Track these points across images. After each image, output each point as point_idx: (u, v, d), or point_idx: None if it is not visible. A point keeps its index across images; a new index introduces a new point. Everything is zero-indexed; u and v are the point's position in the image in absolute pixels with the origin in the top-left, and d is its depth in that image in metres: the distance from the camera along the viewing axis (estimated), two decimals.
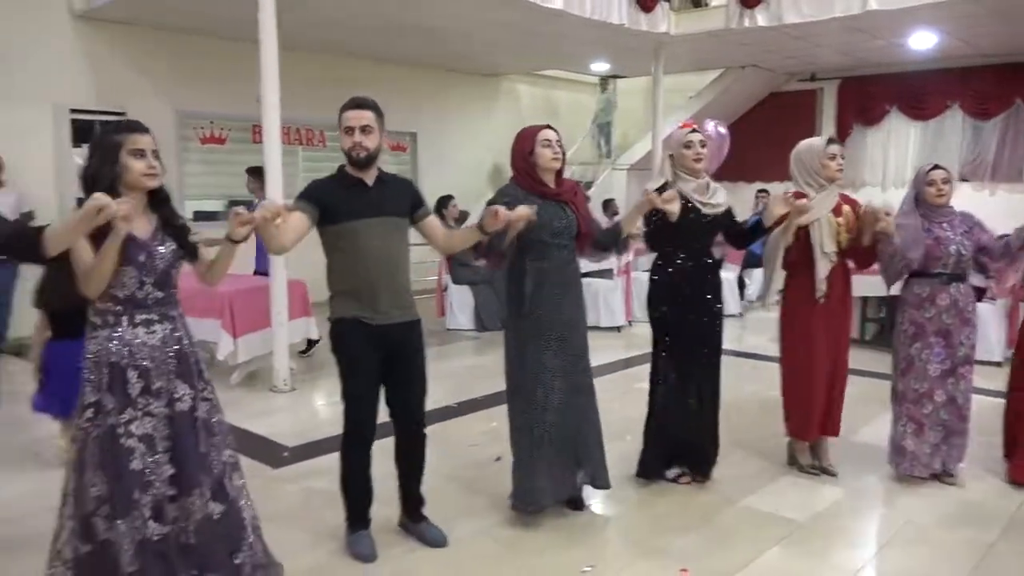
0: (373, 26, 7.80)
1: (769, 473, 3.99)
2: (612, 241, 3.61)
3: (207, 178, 8.62)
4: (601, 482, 3.49)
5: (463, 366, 6.53)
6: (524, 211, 3.05)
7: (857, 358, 4.29)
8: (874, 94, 10.66)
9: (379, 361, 3.05)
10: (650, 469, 3.85)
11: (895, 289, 3.96)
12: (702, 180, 3.71)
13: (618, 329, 7.76)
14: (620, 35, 8.09)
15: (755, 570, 3.05)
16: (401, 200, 3.13)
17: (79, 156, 6.96)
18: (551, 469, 3.36)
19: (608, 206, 9.67)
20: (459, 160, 10.77)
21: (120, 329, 2.43)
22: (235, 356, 5.47)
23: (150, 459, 2.40)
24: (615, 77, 11.91)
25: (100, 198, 2.20)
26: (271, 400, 5.39)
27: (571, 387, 3.37)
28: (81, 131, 7.08)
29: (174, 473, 2.44)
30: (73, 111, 7.10)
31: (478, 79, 11.22)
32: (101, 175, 2.39)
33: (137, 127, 2.47)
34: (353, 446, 3.11)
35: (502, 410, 3.51)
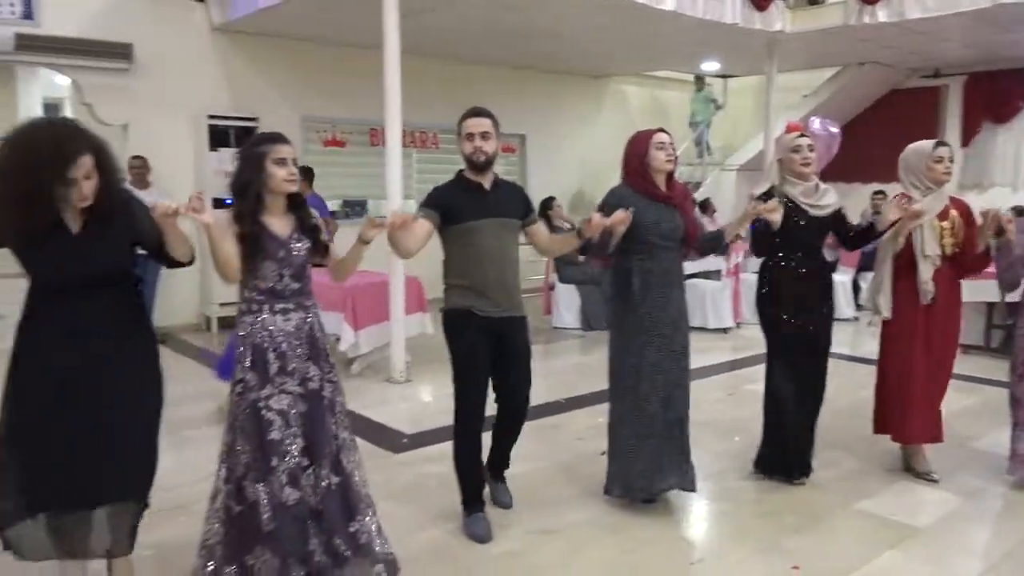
0: (487, 31, 8.04)
1: (884, 478, 3.93)
2: (714, 246, 3.77)
3: (327, 179, 9.06)
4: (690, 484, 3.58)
5: (569, 364, 6.65)
6: (620, 216, 3.20)
7: (982, 365, 4.17)
8: (1006, 90, 10.10)
9: (488, 349, 3.27)
10: (767, 466, 3.90)
11: (1015, 295, 3.84)
12: (810, 183, 3.74)
13: (725, 331, 7.70)
14: (732, 34, 8.03)
15: (869, 573, 3.04)
16: (514, 204, 3.38)
17: (216, 159, 7.52)
18: (651, 461, 3.46)
19: (706, 206, 9.56)
20: (567, 161, 10.91)
21: (262, 316, 2.72)
22: (356, 348, 5.79)
23: (287, 431, 2.67)
24: (725, 76, 11.78)
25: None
26: (388, 390, 5.67)
27: (672, 383, 3.48)
28: (217, 136, 7.62)
29: (306, 445, 2.71)
30: (210, 117, 7.64)
31: (586, 81, 11.32)
32: (249, 181, 2.70)
33: (280, 139, 2.76)
34: (465, 429, 3.31)
35: (607, 408, 3.62)
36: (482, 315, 3.24)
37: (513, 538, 3.29)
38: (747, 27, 7.82)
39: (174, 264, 2.70)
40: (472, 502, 3.37)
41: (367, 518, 2.81)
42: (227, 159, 7.50)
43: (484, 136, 3.21)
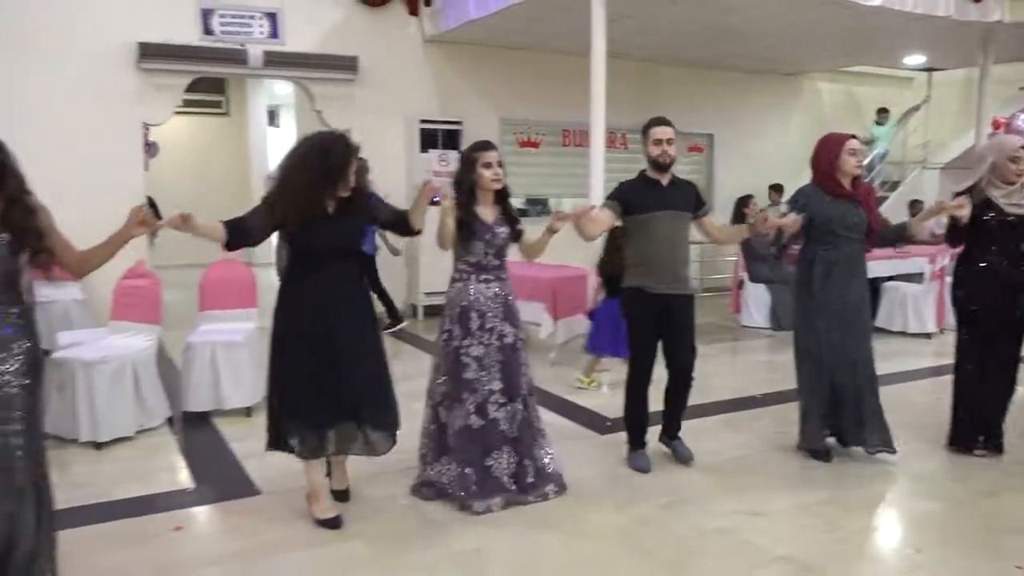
0: (684, 32, 8.17)
1: None
2: (896, 238, 4.36)
3: (519, 179, 9.55)
4: (885, 445, 4.04)
5: (759, 361, 6.70)
6: (790, 220, 3.89)
7: None
8: None
9: (655, 321, 3.91)
10: (959, 440, 4.20)
11: None
12: (1015, 186, 3.91)
13: (928, 336, 7.41)
14: (943, 27, 7.68)
15: None
16: (687, 198, 3.98)
17: (426, 160, 8.19)
18: (835, 421, 4.09)
19: (914, 206, 9.14)
20: (756, 160, 10.79)
21: (469, 284, 3.58)
22: (554, 336, 6.16)
23: (481, 373, 3.52)
24: (930, 70, 11.16)
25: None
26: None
27: (855, 360, 3.99)
28: (427, 138, 8.29)
29: (503, 387, 3.55)
30: (421, 121, 8.31)
31: (777, 78, 11.14)
32: (464, 180, 3.57)
33: (488, 146, 3.62)
34: (635, 386, 4.01)
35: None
36: (653, 292, 3.87)
37: (723, 516, 3.51)
38: (961, 19, 7.46)
39: (412, 233, 3.54)
40: (636, 442, 4.10)
41: (544, 449, 3.70)
42: (435, 159, 8.17)
43: (669, 142, 3.86)
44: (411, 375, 5.98)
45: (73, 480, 3.96)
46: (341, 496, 3.62)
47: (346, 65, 7.90)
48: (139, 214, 2.72)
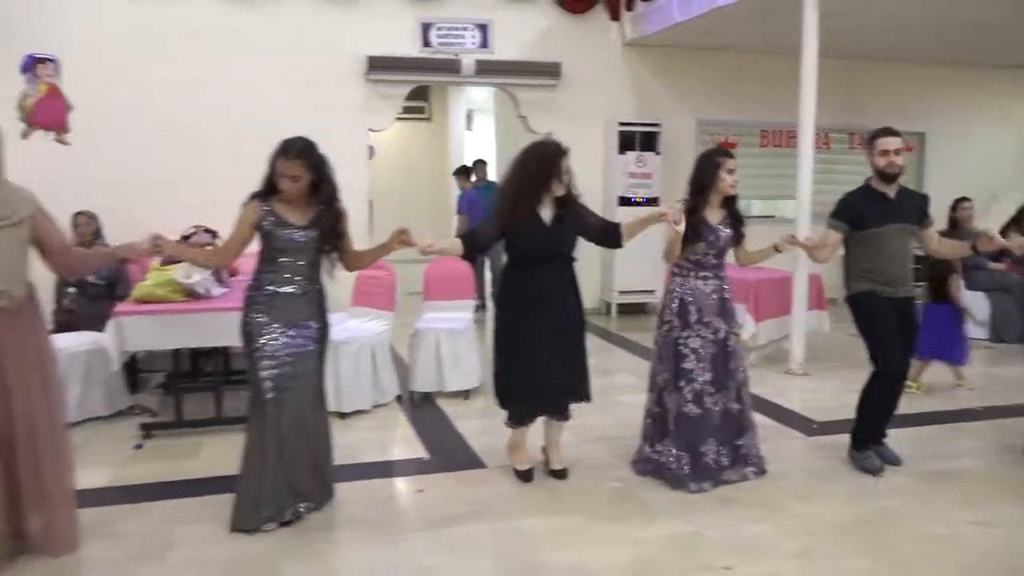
0: (899, 27, 7.81)
1: None
2: None
3: None
4: None
5: (979, 373, 6.31)
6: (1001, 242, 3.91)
7: None
8: None
9: (894, 320, 3.89)
10: None
11: None
12: None
13: None
14: None
15: None
16: (915, 211, 3.97)
17: (622, 162, 8.38)
18: None
19: None
20: (973, 161, 10.06)
21: (689, 279, 3.83)
22: (756, 338, 6.16)
23: (697, 364, 3.74)
24: None
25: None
26: (787, 381, 5.95)
27: None
28: (625, 140, 8.47)
29: (713, 378, 3.76)
30: (620, 124, 8.51)
31: (1003, 72, 10.30)
32: (701, 182, 3.79)
33: (730, 154, 3.84)
34: (887, 378, 3.93)
35: None
36: (884, 296, 3.89)
37: (944, 523, 3.45)
38: None
39: (615, 247, 3.83)
40: (866, 441, 4.06)
41: (750, 439, 3.91)
42: (632, 161, 8.34)
43: (897, 152, 3.82)
44: (610, 370, 6.27)
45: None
46: (559, 475, 3.93)
47: (549, 71, 8.25)
48: (402, 235, 3.36)
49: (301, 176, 3.24)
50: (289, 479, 3.36)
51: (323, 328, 3.46)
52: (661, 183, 8.51)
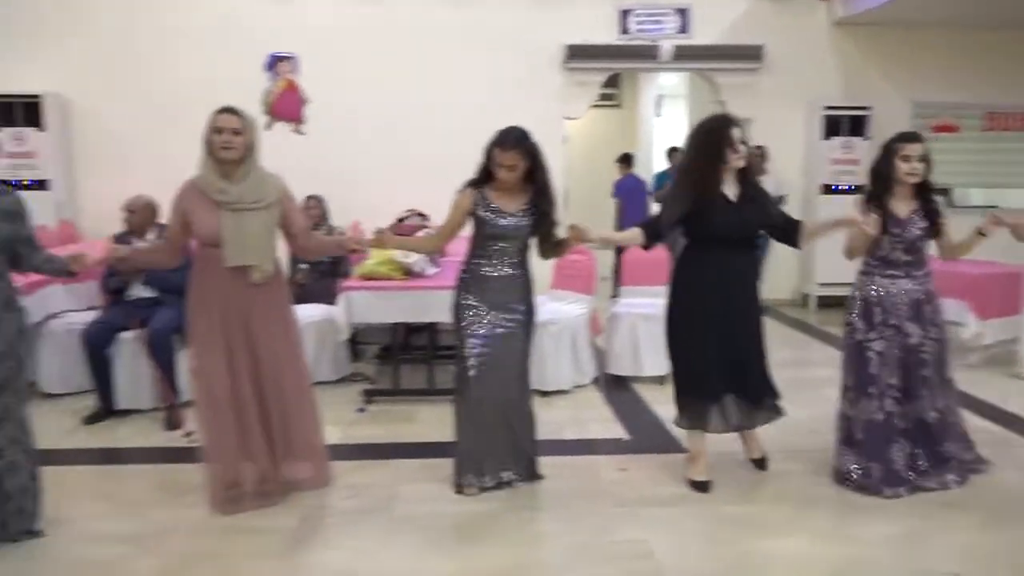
0: None
1: None
2: None
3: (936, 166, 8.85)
4: None
5: None
6: None
7: None
8: None
9: None
10: None
11: None
12: None
13: None
14: None
15: None
16: None
17: (827, 147, 8.01)
18: None
19: None
20: None
21: (874, 278, 3.58)
22: (979, 338, 5.70)
23: (882, 368, 3.52)
24: None
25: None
26: (1012, 385, 5.46)
27: None
28: (831, 125, 8.08)
29: (899, 384, 3.53)
30: (825, 108, 8.12)
31: None
32: (881, 170, 3.55)
33: (913, 137, 3.52)
34: None
35: None
36: None
37: None
38: None
39: (794, 245, 3.69)
40: None
41: (955, 446, 3.63)
42: (838, 147, 7.95)
43: None
44: (809, 362, 6.06)
45: None
46: (759, 464, 3.87)
47: (751, 54, 8.02)
48: (572, 231, 3.43)
49: (517, 165, 3.37)
50: (494, 450, 3.59)
51: (530, 311, 3.59)
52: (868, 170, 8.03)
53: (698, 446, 3.72)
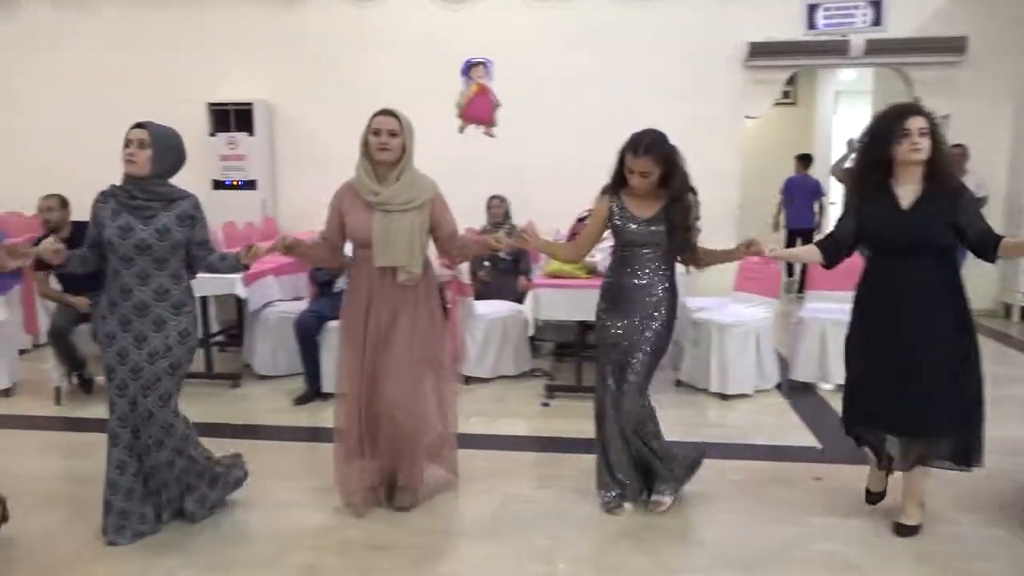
0: None
1: None
2: None
3: None
4: None
5: None
6: None
7: None
8: None
9: None
10: None
11: None
12: None
13: None
14: None
15: None
16: None
17: None
18: None
19: None
20: None
21: None
22: None
23: None
24: None
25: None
26: None
27: None
28: None
29: None
30: None
31: None
32: None
33: None
34: None
35: None
36: None
37: None
38: None
39: (989, 260, 3.02)
40: None
41: None
42: None
43: None
44: (1005, 379, 5.59)
45: (710, 421, 4.77)
46: (903, 531, 3.22)
47: (953, 46, 7.49)
48: (751, 246, 3.16)
49: (651, 172, 3.21)
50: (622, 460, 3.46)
51: (668, 320, 3.37)
52: None
53: (870, 471, 3.50)
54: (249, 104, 8.20)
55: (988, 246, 2.97)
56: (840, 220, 3.25)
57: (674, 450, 3.54)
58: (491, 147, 7.38)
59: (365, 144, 3.28)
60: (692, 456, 3.61)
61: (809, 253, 3.36)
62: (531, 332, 5.23)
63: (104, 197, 3.11)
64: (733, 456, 4.09)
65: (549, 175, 7.73)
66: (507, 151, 7.68)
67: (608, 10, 7.98)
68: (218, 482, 3.42)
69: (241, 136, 8.21)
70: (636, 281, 3.34)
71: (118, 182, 3.11)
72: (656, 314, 3.34)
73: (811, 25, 7.70)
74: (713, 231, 4.08)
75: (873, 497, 3.47)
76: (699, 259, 3.40)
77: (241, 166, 8.24)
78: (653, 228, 3.28)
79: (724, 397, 5.05)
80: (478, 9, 8.11)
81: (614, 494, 3.46)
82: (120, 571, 2.96)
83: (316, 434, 4.56)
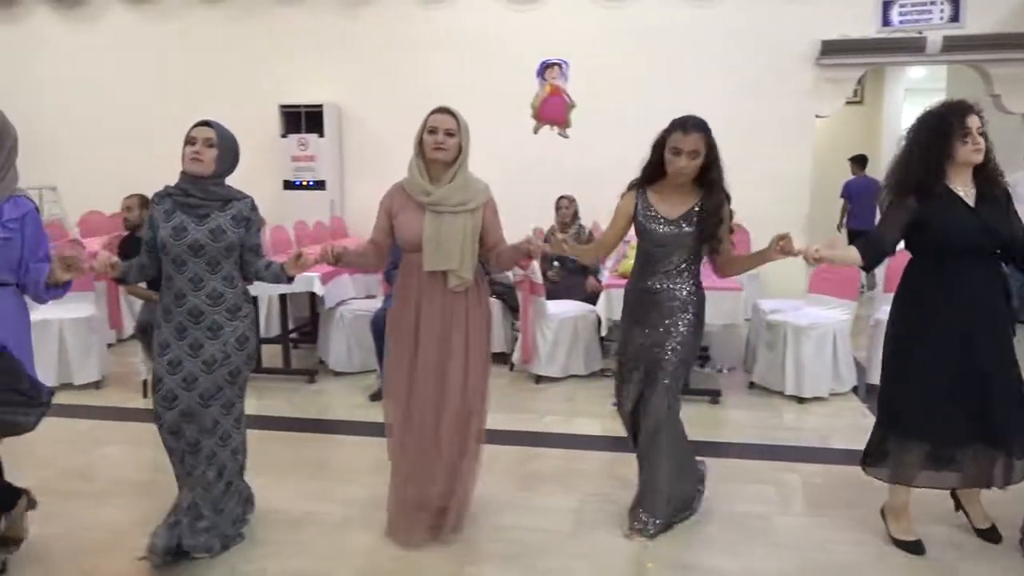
0: None
1: None
2: None
3: None
4: None
5: None
6: None
7: None
8: None
9: None
10: None
11: None
12: None
13: None
14: None
15: None
16: None
17: None
18: None
19: None
20: None
21: None
22: None
23: None
24: None
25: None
26: None
27: None
28: None
29: None
30: None
31: None
32: None
33: None
34: None
35: None
36: None
37: None
38: None
39: None
40: None
41: None
42: None
43: None
44: None
45: (786, 424, 4.72)
46: (988, 535, 3.17)
47: None
48: (780, 241, 2.90)
49: (699, 151, 3.07)
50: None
51: (696, 325, 3.21)
52: None
53: (899, 497, 3.16)
54: (319, 106, 8.37)
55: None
56: (884, 222, 3.04)
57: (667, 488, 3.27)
58: (557, 147, 7.39)
59: (420, 142, 3.10)
60: (687, 499, 3.39)
61: (850, 256, 3.06)
62: (604, 332, 5.23)
63: (159, 198, 3.02)
64: (812, 460, 4.05)
65: (615, 175, 7.61)
66: (573, 151, 7.65)
67: (675, 9, 7.93)
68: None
69: (311, 137, 8.39)
70: (660, 285, 3.18)
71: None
72: (683, 318, 3.17)
73: (886, 22, 7.52)
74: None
75: (917, 546, 3.13)
76: (724, 266, 3.23)
77: (311, 167, 8.42)
78: (681, 229, 3.13)
79: (800, 400, 4.98)
80: (544, 9, 8.14)
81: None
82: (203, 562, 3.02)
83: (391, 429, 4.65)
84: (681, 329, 3.18)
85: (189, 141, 2.95)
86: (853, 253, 3.04)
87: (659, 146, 3.17)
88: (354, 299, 5.87)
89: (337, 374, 5.66)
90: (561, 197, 6.47)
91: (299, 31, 8.60)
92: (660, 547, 3.18)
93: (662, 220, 3.15)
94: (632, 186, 3.27)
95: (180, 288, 2.96)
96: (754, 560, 3.09)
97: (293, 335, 6.39)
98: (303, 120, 8.41)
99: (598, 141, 7.79)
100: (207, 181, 2.96)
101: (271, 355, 5.72)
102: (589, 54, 7.85)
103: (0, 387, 2.59)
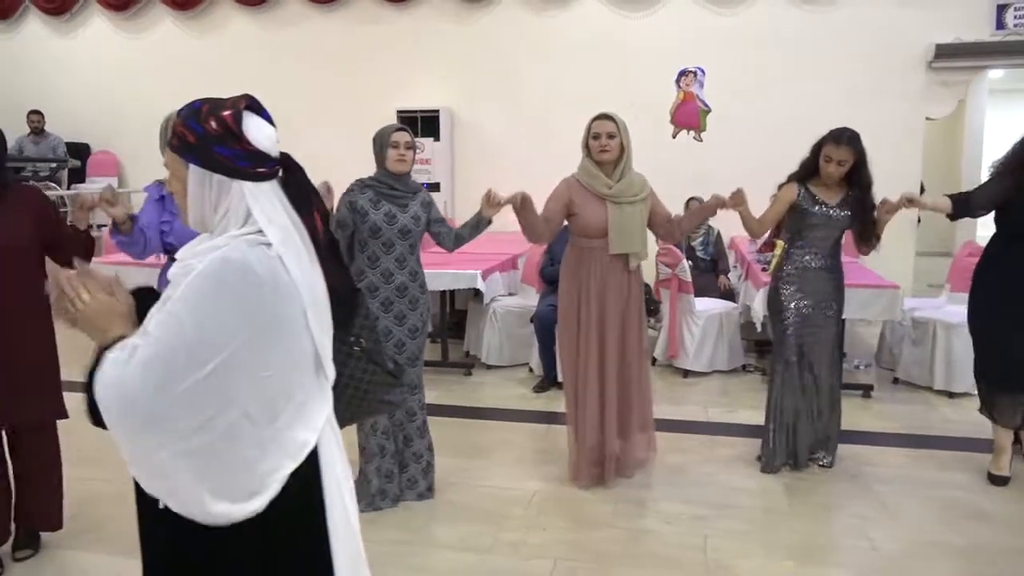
0: None
1: None
2: None
3: None
4: None
5: None
6: None
7: None
8: None
9: None
10: None
11: None
12: None
13: None
14: None
15: None
16: None
17: None
18: None
19: None
20: None
21: None
22: None
23: None
24: None
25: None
26: None
27: None
28: None
29: None
30: None
31: None
32: None
33: None
34: None
35: None
36: None
37: None
38: None
39: None
40: None
41: None
42: None
43: None
44: None
45: (945, 416, 4.91)
46: None
47: None
48: (884, 205, 3.69)
49: (847, 161, 3.68)
50: (799, 430, 3.93)
51: (840, 303, 3.92)
52: None
53: (1000, 439, 3.88)
54: (436, 111, 8.69)
55: None
56: (986, 186, 3.72)
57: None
58: (677, 151, 7.67)
59: (586, 145, 3.64)
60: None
61: (941, 204, 3.72)
62: (759, 329, 5.45)
63: (362, 187, 3.47)
64: (976, 450, 4.24)
65: (733, 177, 7.84)
66: (692, 154, 7.93)
67: (787, 13, 8.10)
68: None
69: (427, 141, 8.72)
70: (816, 264, 3.83)
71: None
72: (836, 295, 3.88)
73: (1000, 25, 7.64)
74: (893, 232, 4.27)
75: (1001, 479, 3.82)
76: (875, 243, 3.83)
77: (428, 169, 8.75)
78: (840, 213, 3.77)
79: (951, 395, 5.16)
80: (656, 15, 8.35)
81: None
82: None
83: (551, 418, 4.92)
84: (835, 307, 3.99)
85: (392, 144, 3.43)
86: (944, 202, 3.71)
87: (817, 148, 3.80)
88: (502, 296, 6.16)
89: (490, 367, 5.95)
90: (691, 199, 6.70)
91: (415, 39, 8.94)
92: (888, 516, 3.42)
93: (825, 204, 3.79)
94: (793, 177, 3.91)
95: (387, 268, 3.45)
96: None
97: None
98: (419, 124, 8.74)
99: (716, 143, 8.02)
100: (407, 176, 3.51)
101: (429, 349, 6.01)
102: (701, 61, 8.09)
103: (372, 371, 2.85)
